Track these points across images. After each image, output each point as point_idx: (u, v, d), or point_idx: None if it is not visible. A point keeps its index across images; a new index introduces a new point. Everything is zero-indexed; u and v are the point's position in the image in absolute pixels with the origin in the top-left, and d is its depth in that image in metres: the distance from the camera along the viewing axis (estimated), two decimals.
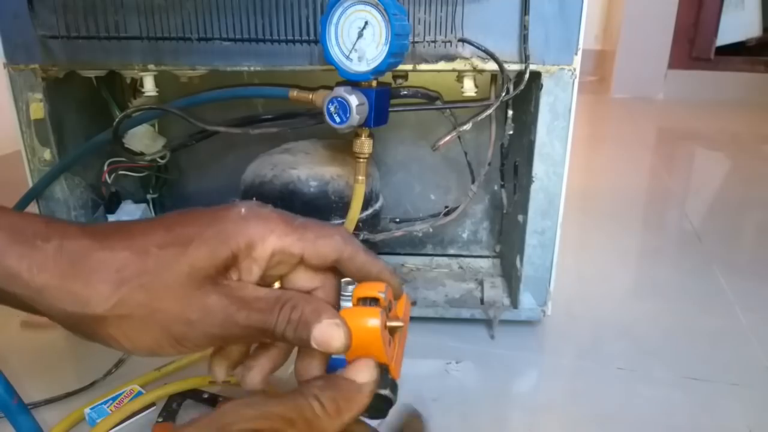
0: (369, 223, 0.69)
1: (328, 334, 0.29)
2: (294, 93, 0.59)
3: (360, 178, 0.57)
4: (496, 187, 0.78)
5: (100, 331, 0.29)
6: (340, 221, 0.62)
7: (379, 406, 0.31)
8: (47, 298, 0.28)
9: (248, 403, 0.26)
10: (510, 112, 0.66)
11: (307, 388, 0.28)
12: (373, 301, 0.31)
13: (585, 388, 0.62)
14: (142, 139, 0.72)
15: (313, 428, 0.26)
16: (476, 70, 0.59)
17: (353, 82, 0.51)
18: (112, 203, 0.74)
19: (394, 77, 0.63)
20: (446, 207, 0.74)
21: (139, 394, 0.56)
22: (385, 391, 0.31)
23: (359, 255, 0.32)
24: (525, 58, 0.57)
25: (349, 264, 0.32)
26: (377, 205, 0.71)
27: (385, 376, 0.32)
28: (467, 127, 0.62)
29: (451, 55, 0.58)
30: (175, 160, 0.79)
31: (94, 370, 0.62)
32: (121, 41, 0.59)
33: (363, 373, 0.30)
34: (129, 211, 0.75)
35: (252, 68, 0.59)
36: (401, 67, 0.56)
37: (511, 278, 0.74)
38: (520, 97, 0.61)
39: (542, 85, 0.59)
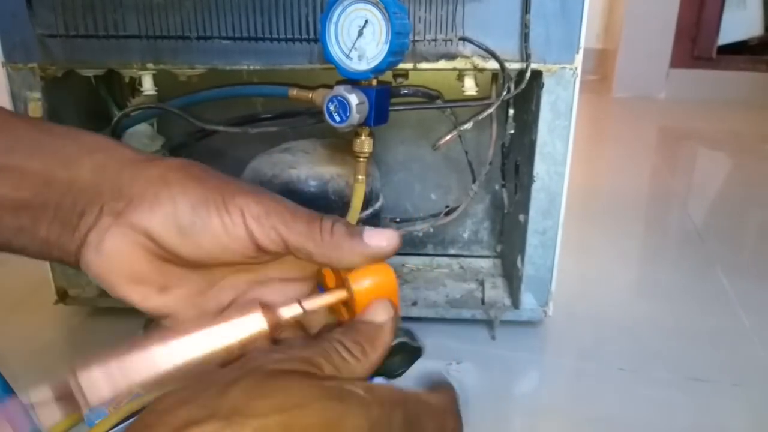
0: (369, 223, 0.68)
1: (379, 233, 0.29)
2: (294, 92, 0.58)
3: (360, 177, 0.57)
4: (497, 187, 0.78)
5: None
6: None
7: (407, 356, 0.30)
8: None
9: (275, 348, 0.26)
10: (511, 112, 0.65)
11: (330, 335, 0.28)
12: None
13: (586, 389, 0.61)
14: (141, 138, 0.72)
15: (341, 371, 0.26)
16: (477, 69, 0.59)
17: (353, 80, 0.50)
18: None
19: (395, 76, 0.62)
20: (447, 207, 0.74)
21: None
22: (415, 343, 0.30)
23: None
24: (526, 57, 0.57)
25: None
26: (377, 205, 0.70)
27: (403, 327, 0.30)
28: (468, 126, 0.62)
29: (452, 53, 0.58)
30: None
31: None
32: (120, 40, 0.58)
33: (380, 313, 0.29)
34: None
35: (251, 67, 0.59)
36: (402, 65, 0.56)
37: (512, 278, 0.73)
38: (521, 96, 0.60)
39: (543, 84, 0.59)
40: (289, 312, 0.29)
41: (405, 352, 0.30)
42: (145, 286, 0.30)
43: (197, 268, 0.30)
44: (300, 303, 0.29)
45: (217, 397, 0.22)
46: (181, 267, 0.30)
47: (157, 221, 0.28)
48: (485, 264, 0.82)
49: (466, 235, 0.83)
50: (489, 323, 0.70)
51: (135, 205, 0.28)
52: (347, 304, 0.30)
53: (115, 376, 0.25)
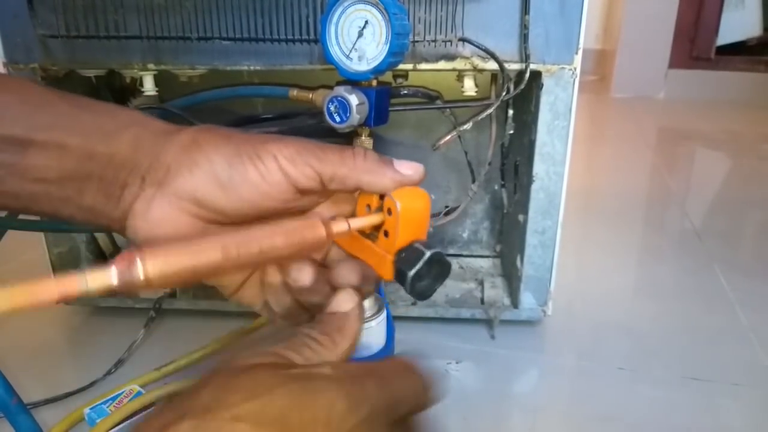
0: None
1: (407, 163, 0.31)
2: (294, 92, 0.58)
3: None
4: (496, 187, 0.78)
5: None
6: None
7: (438, 270, 0.31)
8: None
9: (245, 348, 0.27)
10: (510, 112, 0.65)
11: (298, 331, 0.29)
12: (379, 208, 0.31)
13: (586, 388, 0.62)
14: None
15: (312, 361, 0.27)
16: (476, 70, 0.59)
17: (353, 81, 0.51)
18: None
19: (395, 76, 0.63)
20: (446, 207, 0.74)
21: (139, 394, 0.56)
22: (438, 254, 0.30)
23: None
24: (525, 58, 0.57)
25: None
26: None
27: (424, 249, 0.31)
28: (467, 126, 0.62)
29: (452, 54, 0.58)
30: None
31: (93, 370, 0.62)
32: (121, 40, 0.59)
33: (346, 302, 0.31)
34: None
35: (252, 67, 0.59)
36: (401, 66, 0.56)
37: (511, 278, 0.73)
38: (521, 96, 0.60)
39: (543, 85, 0.59)
40: (338, 227, 0.30)
41: (440, 264, 0.31)
42: None
43: (239, 223, 0.31)
44: (347, 221, 0.30)
45: (189, 399, 0.22)
46: (223, 226, 0.31)
47: (198, 182, 0.30)
48: (485, 264, 0.82)
49: (465, 235, 0.84)
50: (488, 323, 0.70)
51: (174, 172, 0.30)
52: (386, 230, 0.31)
53: (182, 255, 0.26)
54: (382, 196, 0.31)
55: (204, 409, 0.22)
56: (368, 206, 0.32)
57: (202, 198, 0.30)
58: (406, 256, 0.30)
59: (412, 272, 0.30)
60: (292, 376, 0.24)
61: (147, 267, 0.24)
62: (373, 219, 0.31)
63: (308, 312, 0.34)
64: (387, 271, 0.31)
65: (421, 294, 0.30)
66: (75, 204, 0.31)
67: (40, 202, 0.31)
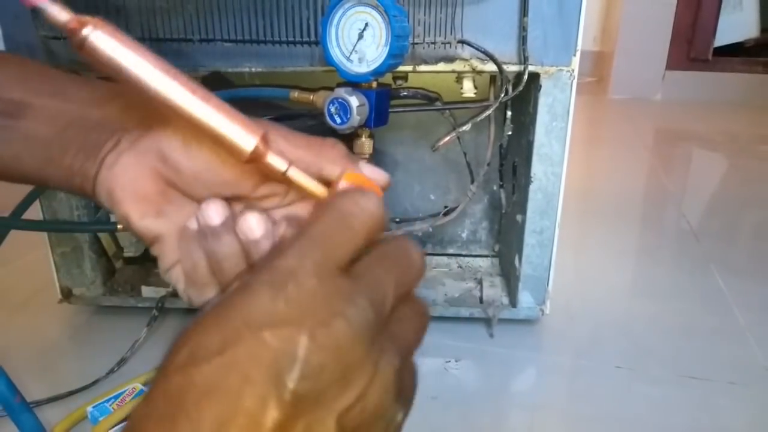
0: None
1: (372, 168, 0.31)
2: (295, 94, 0.59)
3: None
4: (495, 187, 0.79)
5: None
6: None
7: None
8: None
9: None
10: (509, 113, 0.66)
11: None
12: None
13: (583, 387, 0.62)
14: None
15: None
16: (475, 72, 0.60)
17: (353, 83, 0.51)
18: None
19: (394, 78, 0.63)
20: (446, 207, 0.75)
21: (141, 392, 0.56)
22: None
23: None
24: (524, 60, 0.58)
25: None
26: None
27: None
28: (466, 127, 0.62)
29: (451, 56, 0.59)
30: None
31: (96, 368, 0.62)
32: None
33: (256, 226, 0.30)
34: None
35: (253, 69, 0.60)
36: (401, 68, 0.57)
37: (509, 277, 0.74)
38: (519, 98, 0.61)
39: (541, 86, 0.60)
40: (275, 159, 0.28)
41: None
42: (145, 206, 0.31)
43: (194, 195, 0.32)
44: (289, 165, 0.29)
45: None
46: (180, 193, 0.32)
47: (166, 137, 0.30)
48: (483, 263, 0.83)
49: (464, 235, 0.84)
50: (487, 321, 0.71)
51: (152, 130, 0.31)
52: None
53: (128, 54, 0.27)
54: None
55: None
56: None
57: (167, 152, 0.30)
58: None
59: None
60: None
61: (92, 36, 0.25)
62: (315, 186, 0.30)
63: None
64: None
65: None
66: (56, 164, 0.32)
67: (22, 163, 0.32)
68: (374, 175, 0.32)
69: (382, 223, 0.27)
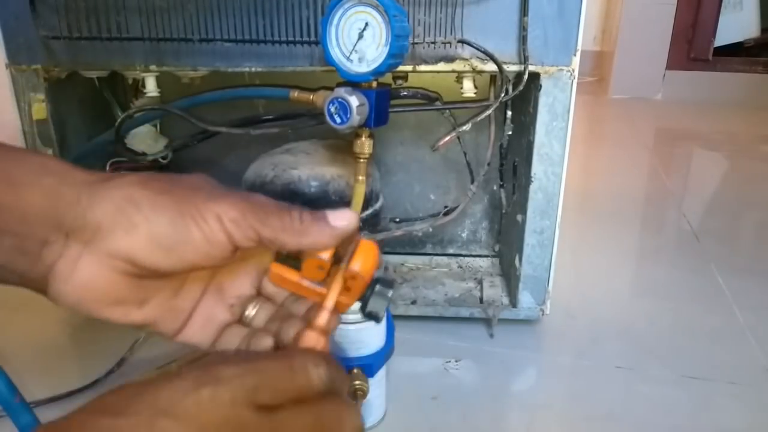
0: (369, 223, 0.69)
1: (340, 214, 0.31)
2: (295, 94, 0.59)
3: (360, 178, 0.57)
4: (495, 187, 0.79)
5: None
6: None
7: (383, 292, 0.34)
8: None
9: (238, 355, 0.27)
10: (509, 113, 0.66)
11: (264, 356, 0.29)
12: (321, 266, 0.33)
13: (583, 387, 0.62)
14: (144, 140, 0.73)
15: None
16: (475, 71, 0.59)
17: (353, 82, 0.51)
18: None
19: (394, 78, 0.63)
20: (446, 207, 0.75)
21: None
22: (393, 288, 0.34)
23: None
24: (524, 59, 0.58)
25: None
26: (377, 205, 0.71)
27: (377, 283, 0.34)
28: (466, 127, 0.62)
29: (451, 56, 0.59)
30: (177, 160, 0.79)
31: (96, 368, 0.62)
32: (123, 42, 0.59)
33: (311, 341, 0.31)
34: None
35: (253, 69, 0.60)
36: (401, 68, 0.57)
37: (510, 277, 0.74)
38: (519, 97, 0.61)
39: (541, 86, 0.59)
40: (325, 320, 0.32)
41: (381, 285, 0.34)
42: (125, 305, 0.30)
43: (172, 276, 0.31)
44: (325, 310, 0.32)
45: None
46: (157, 280, 0.31)
47: (136, 244, 0.28)
48: (483, 263, 0.83)
49: (464, 235, 0.84)
50: (487, 321, 0.71)
51: (106, 231, 0.28)
52: (347, 287, 0.33)
53: None
54: (335, 253, 0.32)
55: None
56: (320, 267, 0.33)
57: (140, 259, 0.29)
58: (372, 300, 0.34)
59: (381, 314, 0.34)
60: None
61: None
62: (339, 288, 0.33)
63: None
64: (344, 310, 0.34)
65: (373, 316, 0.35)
66: None
67: None
68: (347, 223, 0.32)
69: (318, 391, 0.28)
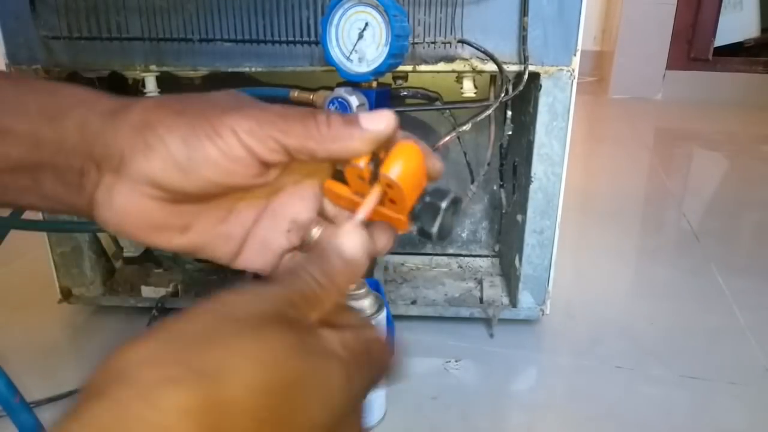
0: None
1: (376, 115, 0.29)
2: (295, 94, 0.59)
3: None
4: (495, 187, 0.79)
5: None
6: None
7: (453, 209, 0.30)
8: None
9: (244, 291, 0.24)
10: (509, 113, 0.66)
11: (299, 268, 0.26)
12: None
13: (583, 387, 0.62)
14: None
15: (312, 304, 0.25)
16: (475, 71, 0.59)
17: (353, 82, 0.51)
18: None
19: (394, 78, 0.63)
20: None
21: None
22: (451, 200, 0.30)
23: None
24: (524, 59, 0.58)
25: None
26: None
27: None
28: (466, 127, 0.62)
29: (451, 56, 0.59)
30: None
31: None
32: (123, 42, 0.59)
33: (353, 243, 0.28)
34: None
35: (253, 69, 0.60)
36: (401, 68, 0.57)
37: (510, 277, 0.74)
38: (519, 97, 0.61)
39: (541, 86, 0.59)
40: (355, 231, 0.28)
41: (455, 204, 0.30)
42: (167, 231, 0.30)
43: (210, 200, 0.30)
44: (356, 217, 0.29)
45: (193, 352, 0.20)
46: (194, 204, 0.30)
47: (155, 166, 0.28)
48: (484, 263, 0.83)
49: (464, 235, 0.84)
50: (487, 321, 0.71)
51: (129, 157, 0.28)
52: (390, 198, 0.30)
53: None
54: (372, 158, 0.30)
55: (210, 367, 0.20)
56: (360, 177, 0.30)
57: (162, 182, 0.28)
58: (422, 215, 0.30)
59: (434, 229, 0.30)
60: (306, 345, 0.22)
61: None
62: (375, 199, 0.30)
63: None
64: (404, 227, 0.31)
65: (446, 237, 0.31)
66: (34, 194, 0.29)
67: None
68: (383, 126, 0.29)
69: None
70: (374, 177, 0.30)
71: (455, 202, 0.30)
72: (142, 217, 0.29)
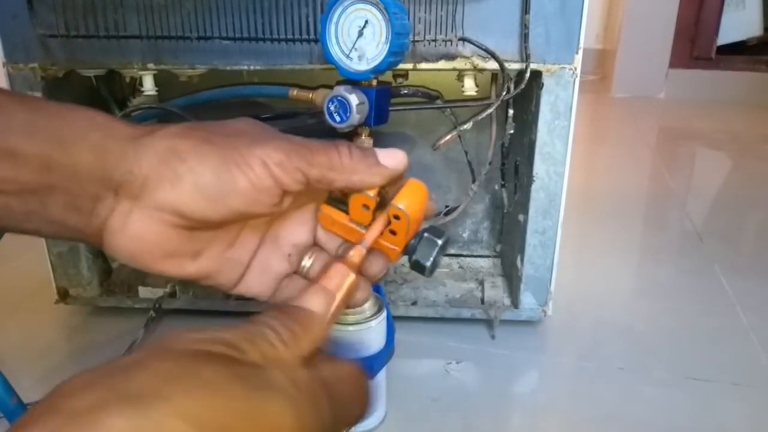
0: None
1: (391, 153, 0.31)
2: (294, 92, 0.58)
3: None
4: (496, 187, 0.78)
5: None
6: None
7: (445, 247, 0.32)
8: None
9: (196, 329, 0.24)
10: (510, 112, 0.65)
11: (260, 317, 0.26)
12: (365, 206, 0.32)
13: (586, 388, 0.62)
14: None
15: (267, 358, 0.24)
16: (477, 69, 0.59)
17: (353, 81, 0.51)
18: None
19: (395, 76, 0.62)
20: (447, 206, 0.74)
21: None
22: (445, 239, 0.32)
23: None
24: (526, 57, 0.57)
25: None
26: None
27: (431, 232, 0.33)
28: (468, 126, 0.62)
29: (452, 54, 0.58)
30: None
31: None
32: (121, 40, 0.59)
33: (317, 302, 0.28)
34: None
35: (252, 67, 0.59)
36: (401, 66, 0.56)
37: (511, 278, 0.73)
38: (521, 96, 0.60)
39: (543, 84, 0.59)
40: (358, 255, 0.31)
41: (447, 243, 0.32)
42: (178, 258, 0.30)
43: (224, 226, 0.31)
44: (362, 246, 0.31)
45: (125, 379, 0.20)
46: (208, 230, 0.30)
47: (183, 196, 0.28)
48: (485, 263, 0.82)
49: (465, 235, 0.84)
50: (488, 323, 0.70)
51: (153, 185, 0.28)
52: (392, 230, 0.32)
53: None
54: (379, 192, 0.31)
55: (141, 393, 0.19)
56: (365, 206, 0.32)
57: (188, 211, 0.28)
58: (419, 248, 0.32)
59: (429, 263, 0.32)
60: (243, 378, 0.22)
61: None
62: (380, 227, 0.32)
63: None
64: (396, 258, 0.33)
65: (434, 272, 0.33)
66: (40, 218, 0.28)
67: (1, 217, 0.28)
68: (396, 163, 0.31)
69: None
70: (379, 207, 0.32)
71: (448, 242, 0.33)
72: (157, 244, 0.29)
